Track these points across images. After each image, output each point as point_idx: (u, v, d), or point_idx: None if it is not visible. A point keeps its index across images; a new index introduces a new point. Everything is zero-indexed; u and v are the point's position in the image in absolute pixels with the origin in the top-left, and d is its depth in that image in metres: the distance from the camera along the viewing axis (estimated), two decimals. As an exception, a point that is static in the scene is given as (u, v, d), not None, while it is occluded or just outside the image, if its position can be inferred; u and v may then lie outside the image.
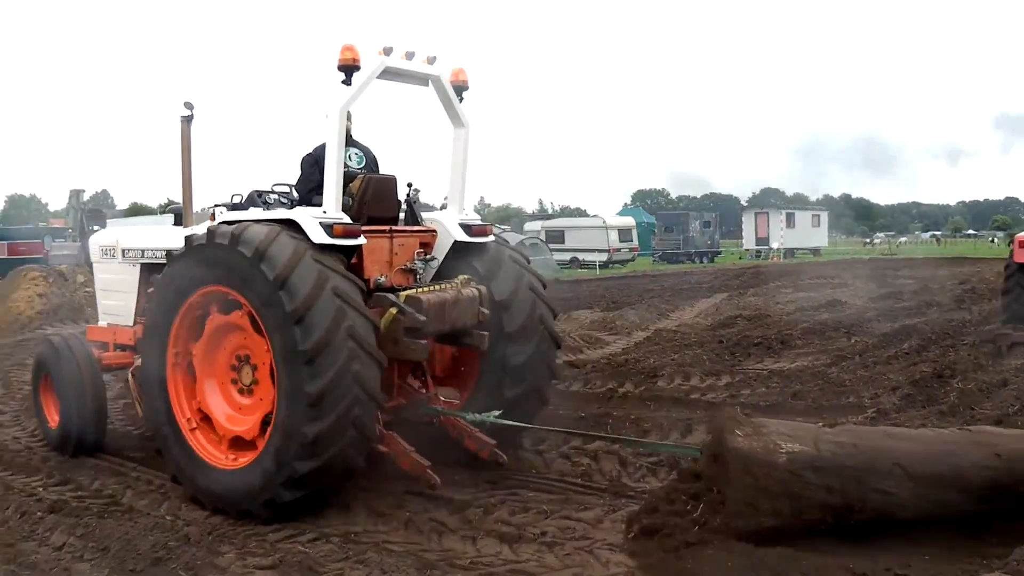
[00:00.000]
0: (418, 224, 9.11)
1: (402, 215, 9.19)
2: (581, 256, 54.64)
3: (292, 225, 7.66)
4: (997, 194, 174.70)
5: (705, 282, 34.02)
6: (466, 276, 8.62)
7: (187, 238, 8.04)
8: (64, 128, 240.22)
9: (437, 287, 8.28)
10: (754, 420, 6.68)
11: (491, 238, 9.17)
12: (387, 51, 8.10)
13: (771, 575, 5.74)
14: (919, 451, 6.43)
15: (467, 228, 8.96)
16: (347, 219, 7.94)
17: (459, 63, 8.79)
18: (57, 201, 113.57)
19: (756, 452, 6.19)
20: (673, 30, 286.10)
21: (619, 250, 55.85)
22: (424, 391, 8.62)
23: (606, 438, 9.06)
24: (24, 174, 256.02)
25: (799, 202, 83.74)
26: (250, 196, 9.10)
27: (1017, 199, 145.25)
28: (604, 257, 54.19)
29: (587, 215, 71.20)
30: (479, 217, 9.36)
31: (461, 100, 8.94)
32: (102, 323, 10.57)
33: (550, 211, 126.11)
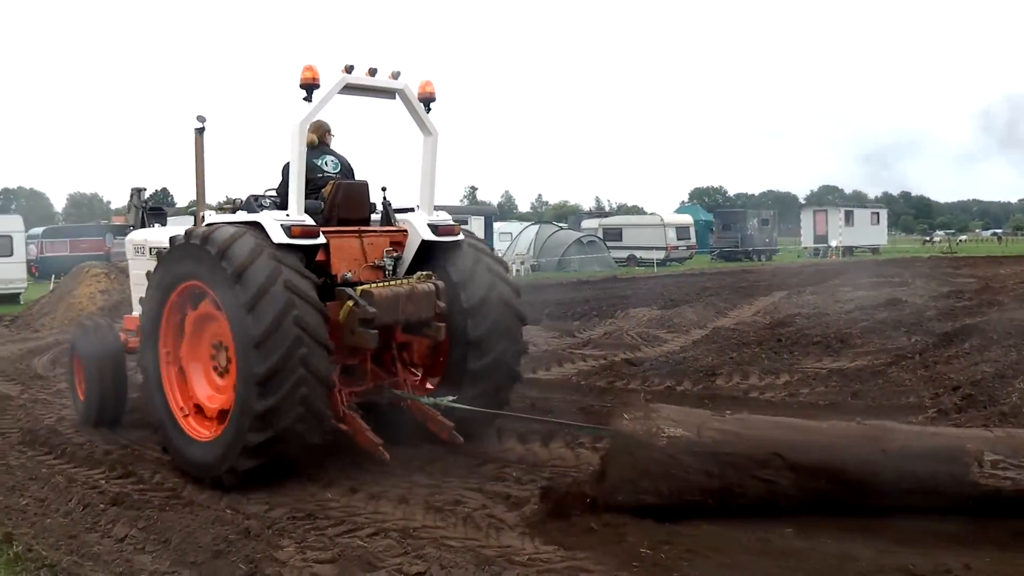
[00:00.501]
0: (391, 225, 9.74)
1: (377, 216, 9.83)
2: (639, 254, 54.39)
3: (258, 227, 8.45)
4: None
5: (763, 280, 33.72)
6: (425, 272, 9.09)
7: (171, 238, 9.01)
8: (126, 128, 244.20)
9: (393, 282, 8.81)
10: (649, 405, 7.18)
11: (459, 237, 9.63)
12: (349, 69, 8.82)
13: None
14: (802, 442, 6.71)
15: (435, 228, 9.49)
16: (309, 221, 8.68)
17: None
18: (119, 199, 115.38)
19: (638, 434, 6.67)
20: (733, 27, 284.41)
21: (677, 248, 55.51)
22: (394, 377, 9.21)
23: (547, 422, 9.64)
24: (86, 173, 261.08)
25: (858, 199, 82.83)
26: (247, 200, 9.64)
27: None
28: (662, 255, 53.84)
29: (644, 212, 70.89)
30: (450, 218, 9.78)
31: (429, 111, 9.57)
32: (135, 313, 11.29)
33: (607, 208, 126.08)
